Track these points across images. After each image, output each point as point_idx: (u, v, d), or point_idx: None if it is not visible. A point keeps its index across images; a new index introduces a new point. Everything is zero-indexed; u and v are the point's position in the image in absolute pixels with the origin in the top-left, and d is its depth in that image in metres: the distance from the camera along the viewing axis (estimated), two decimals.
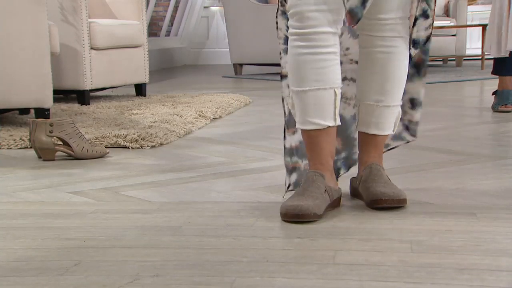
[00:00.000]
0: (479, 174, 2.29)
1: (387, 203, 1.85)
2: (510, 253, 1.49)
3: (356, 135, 2.07)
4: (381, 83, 1.92)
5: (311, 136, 1.84)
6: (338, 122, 1.85)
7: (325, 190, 1.82)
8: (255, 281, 1.35)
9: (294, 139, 1.99)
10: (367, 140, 1.96)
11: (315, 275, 1.38)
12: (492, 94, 3.99)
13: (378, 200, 1.85)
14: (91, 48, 4.52)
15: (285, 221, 1.77)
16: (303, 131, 1.85)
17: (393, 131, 1.97)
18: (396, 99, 1.93)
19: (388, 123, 1.94)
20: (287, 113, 1.97)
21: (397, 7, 1.87)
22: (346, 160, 2.09)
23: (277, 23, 1.94)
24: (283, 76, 1.96)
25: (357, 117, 1.98)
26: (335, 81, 1.82)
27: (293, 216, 1.74)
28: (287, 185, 1.99)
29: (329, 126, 1.83)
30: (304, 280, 1.36)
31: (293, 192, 1.99)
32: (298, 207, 1.74)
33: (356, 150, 2.08)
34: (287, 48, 1.93)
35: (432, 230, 1.67)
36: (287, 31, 1.91)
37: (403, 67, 1.92)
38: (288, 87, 1.92)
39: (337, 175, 2.07)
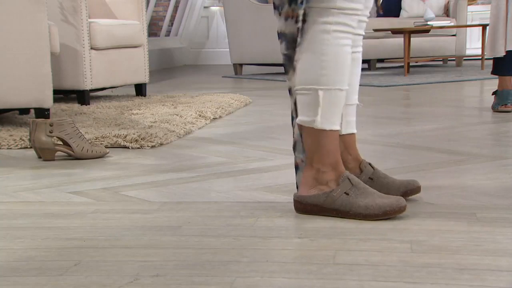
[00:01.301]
0: (479, 174, 2.29)
1: (419, 190, 1.97)
2: (510, 253, 1.49)
3: None
4: (357, 82, 2.00)
5: (336, 136, 1.84)
6: None
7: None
8: (255, 281, 1.35)
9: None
10: (352, 139, 2.00)
11: (315, 275, 1.38)
12: (492, 94, 3.99)
13: (415, 189, 1.96)
14: (91, 48, 4.52)
15: (383, 219, 1.76)
16: (332, 133, 1.82)
17: None
18: None
19: None
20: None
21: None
22: None
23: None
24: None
25: (341, 120, 1.97)
26: None
27: (399, 210, 1.77)
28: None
29: None
30: (304, 280, 1.36)
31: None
32: (399, 200, 1.77)
33: None
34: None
35: (432, 230, 1.67)
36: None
37: None
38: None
39: None
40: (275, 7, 1.85)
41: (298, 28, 1.80)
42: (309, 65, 1.80)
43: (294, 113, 1.90)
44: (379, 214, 1.76)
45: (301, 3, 1.78)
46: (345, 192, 1.80)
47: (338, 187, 1.81)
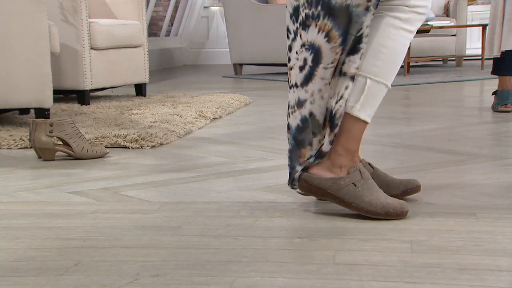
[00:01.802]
0: (479, 174, 2.29)
1: (419, 189, 1.97)
2: (510, 253, 1.49)
3: None
4: None
5: (364, 128, 1.86)
6: None
7: None
8: (255, 281, 1.35)
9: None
10: None
11: (315, 275, 1.38)
12: (492, 94, 3.99)
13: (417, 187, 1.96)
14: (91, 48, 4.52)
15: (383, 219, 1.76)
16: (363, 123, 1.84)
17: None
18: None
19: None
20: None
21: None
22: None
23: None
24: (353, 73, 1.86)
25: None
26: None
27: (401, 214, 1.77)
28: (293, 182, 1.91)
29: None
30: (304, 280, 1.36)
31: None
32: (403, 204, 1.78)
33: None
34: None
35: (432, 230, 1.67)
36: (295, 33, 1.88)
37: None
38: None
39: None
40: (308, 17, 1.81)
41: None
42: (367, 53, 1.81)
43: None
44: (381, 213, 1.76)
45: (367, 10, 1.75)
46: (353, 183, 1.80)
47: (348, 176, 1.81)
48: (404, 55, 1.84)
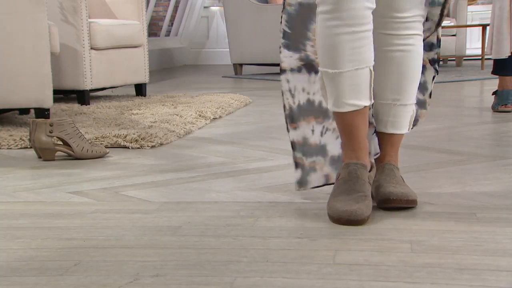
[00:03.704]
0: (479, 174, 2.29)
1: (395, 203, 1.83)
2: (510, 253, 1.49)
3: None
4: (398, 82, 1.92)
5: (348, 119, 1.82)
6: (372, 100, 1.84)
7: (369, 183, 1.82)
8: (255, 281, 1.35)
9: (297, 134, 1.97)
10: (384, 139, 1.96)
11: (315, 275, 1.38)
12: (492, 94, 3.99)
13: (385, 200, 1.84)
14: (91, 48, 4.52)
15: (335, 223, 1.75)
16: (338, 114, 1.82)
17: (408, 129, 1.97)
18: (411, 98, 1.94)
19: (405, 121, 1.95)
20: (287, 107, 1.95)
21: (414, 5, 1.86)
22: None
23: (282, 17, 1.93)
24: (282, 70, 1.95)
25: (373, 116, 1.97)
26: (370, 59, 1.78)
27: (347, 222, 1.71)
28: (296, 182, 1.97)
29: (365, 106, 1.81)
30: (304, 280, 1.36)
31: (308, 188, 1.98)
32: (353, 212, 1.70)
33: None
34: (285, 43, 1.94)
35: (432, 230, 1.67)
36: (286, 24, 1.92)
37: (419, 64, 1.92)
38: (288, 81, 1.93)
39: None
40: None
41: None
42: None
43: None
44: (334, 218, 1.74)
45: None
46: (337, 179, 1.84)
47: (339, 174, 1.85)
48: (335, 35, 1.75)
